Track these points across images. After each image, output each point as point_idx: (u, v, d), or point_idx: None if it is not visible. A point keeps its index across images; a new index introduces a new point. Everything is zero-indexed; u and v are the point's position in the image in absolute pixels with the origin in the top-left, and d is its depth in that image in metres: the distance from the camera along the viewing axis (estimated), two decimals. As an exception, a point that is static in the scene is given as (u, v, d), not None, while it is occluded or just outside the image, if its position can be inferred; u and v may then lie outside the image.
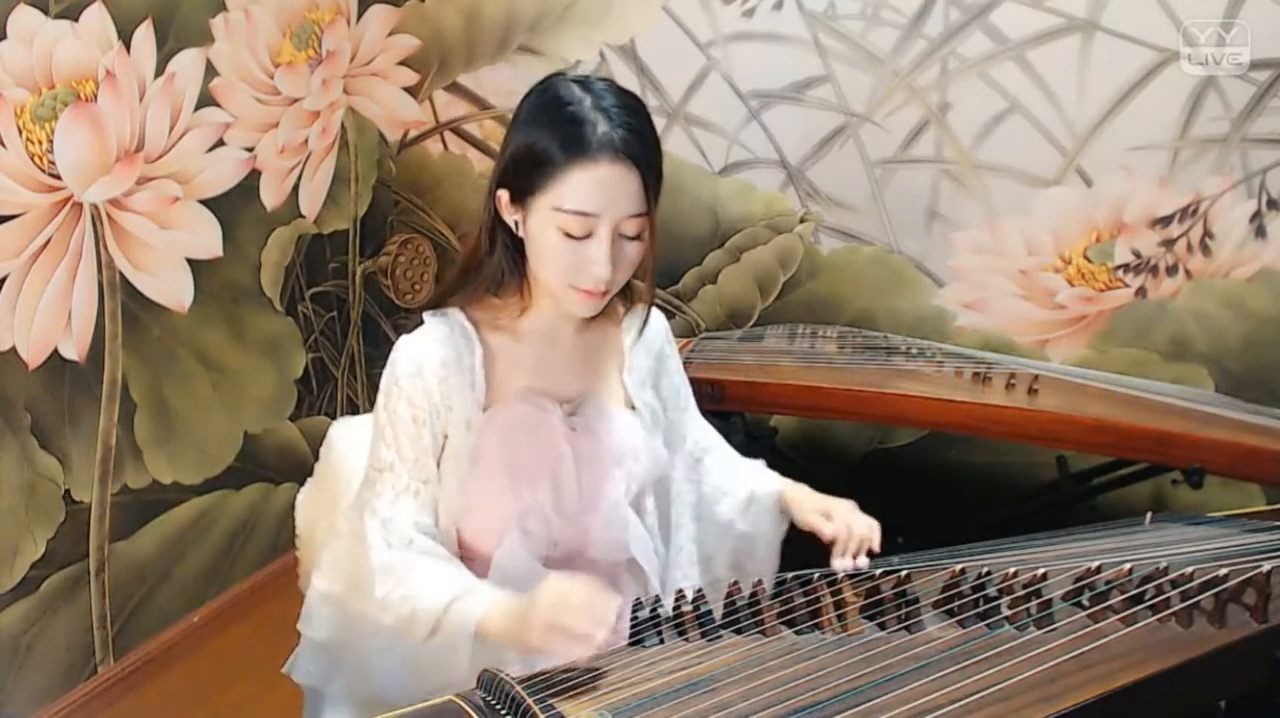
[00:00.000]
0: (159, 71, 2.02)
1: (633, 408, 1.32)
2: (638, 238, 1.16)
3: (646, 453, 1.29)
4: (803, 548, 1.41)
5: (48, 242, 1.86)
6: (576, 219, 1.12)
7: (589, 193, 1.11)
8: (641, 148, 1.13)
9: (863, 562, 1.22)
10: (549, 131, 1.13)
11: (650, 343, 1.36)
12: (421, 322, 1.24)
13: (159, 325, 2.12)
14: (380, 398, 1.22)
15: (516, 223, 1.18)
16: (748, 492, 1.41)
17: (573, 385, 1.28)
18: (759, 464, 1.46)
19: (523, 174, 1.15)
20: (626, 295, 1.30)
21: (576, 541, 1.26)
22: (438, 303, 1.25)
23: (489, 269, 1.22)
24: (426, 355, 1.20)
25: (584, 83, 1.16)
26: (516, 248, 1.21)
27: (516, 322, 1.25)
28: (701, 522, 1.42)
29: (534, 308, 1.24)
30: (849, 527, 1.25)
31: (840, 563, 1.22)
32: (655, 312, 1.37)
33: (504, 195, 1.18)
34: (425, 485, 1.21)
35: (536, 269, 1.20)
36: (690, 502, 1.41)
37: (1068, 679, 1.00)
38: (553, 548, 1.25)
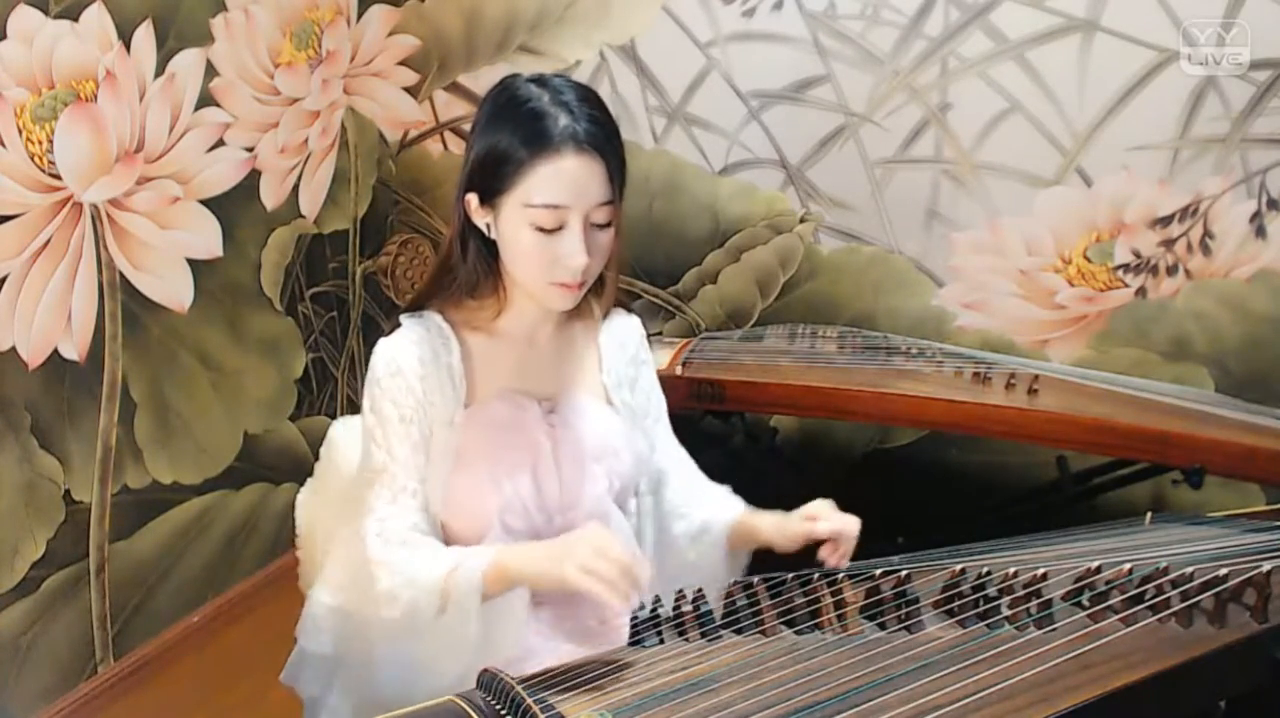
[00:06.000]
0: (159, 71, 2.02)
1: (611, 406, 1.32)
2: (608, 226, 1.17)
3: (628, 450, 1.30)
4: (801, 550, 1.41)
5: (48, 242, 1.86)
6: (547, 213, 1.13)
7: (557, 185, 1.13)
8: (604, 137, 1.14)
9: (845, 561, 1.23)
10: (511, 130, 1.14)
11: (626, 346, 1.36)
12: (399, 324, 1.25)
13: (159, 325, 2.12)
14: (365, 403, 1.23)
15: (488, 225, 1.19)
16: (701, 521, 1.38)
17: (551, 384, 1.28)
18: (723, 491, 1.42)
19: (489, 175, 1.16)
20: (598, 293, 1.30)
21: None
22: (414, 307, 1.27)
23: (464, 274, 1.23)
24: (403, 355, 1.21)
25: (540, 80, 1.18)
26: (489, 250, 1.22)
27: (494, 322, 1.26)
28: (657, 537, 1.41)
29: (511, 308, 1.25)
30: (845, 527, 1.24)
31: (833, 559, 1.22)
32: (632, 318, 1.38)
33: (473, 199, 1.19)
34: (422, 485, 1.21)
35: (512, 269, 1.21)
36: (650, 512, 1.41)
37: (1068, 679, 1.00)
38: None
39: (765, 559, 1.42)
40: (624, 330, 1.37)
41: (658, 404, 1.43)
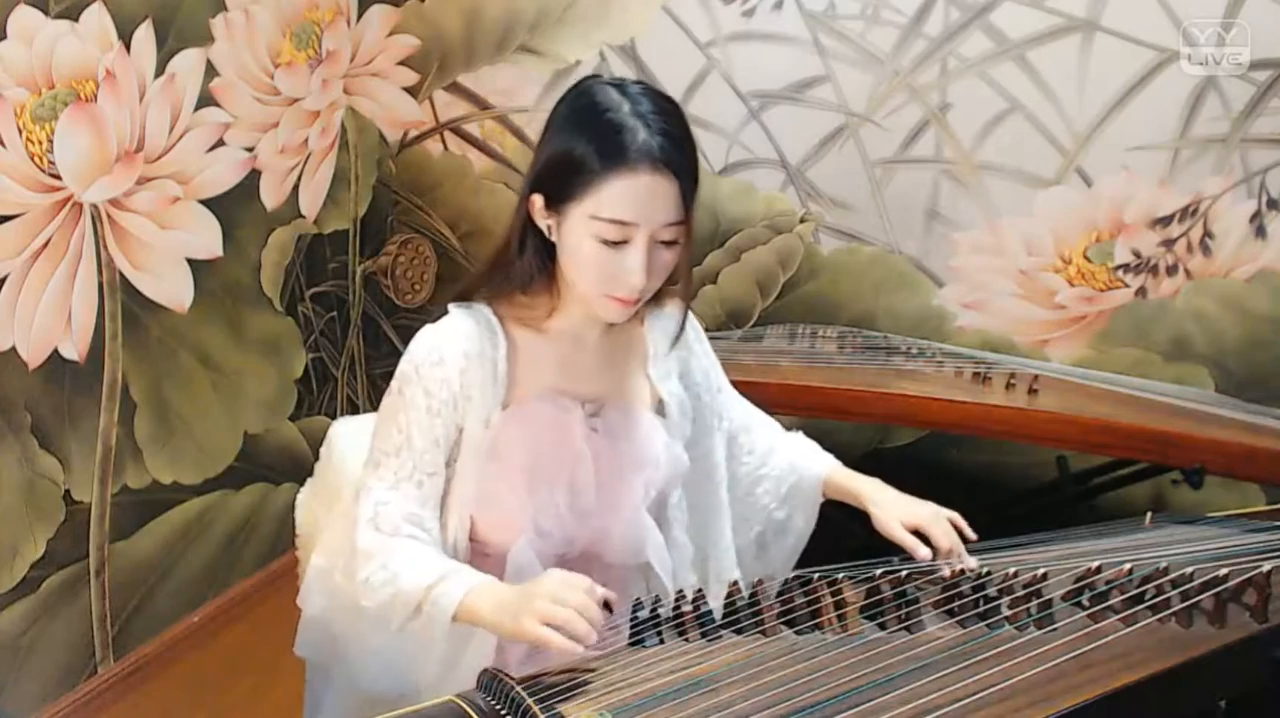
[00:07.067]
0: (159, 71, 2.01)
1: (660, 404, 1.31)
2: (673, 244, 1.15)
3: (667, 458, 1.28)
4: (813, 544, 1.41)
5: (48, 242, 1.86)
6: (614, 227, 1.11)
7: (627, 202, 1.10)
8: (679, 155, 1.12)
9: (971, 562, 1.25)
10: (586, 139, 1.12)
11: (670, 332, 1.34)
12: (446, 312, 1.23)
13: (159, 325, 2.12)
14: (395, 383, 1.21)
15: (549, 227, 1.18)
16: (792, 481, 1.42)
17: (597, 386, 1.27)
18: (804, 442, 1.46)
19: (559, 181, 1.14)
20: (657, 300, 1.28)
21: (593, 542, 1.26)
22: (462, 296, 1.24)
23: (518, 271, 1.21)
24: (450, 345, 1.19)
25: (621, 87, 1.15)
26: (547, 250, 1.20)
27: (545, 320, 1.24)
28: (736, 501, 1.42)
29: (563, 309, 1.24)
30: (952, 546, 1.27)
31: (949, 566, 1.24)
32: (676, 302, 1.35)
33: (538, 200, 1.17)
34: (429, 478, 1.20)
35: (570, 275, 1.19)
36: (726, 481, 1.41)
37: (1068, 679, 1.00)
38: (569, 547, 1.25)
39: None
40: (669, 318, 1.34)
41: (717, 376, 1.42)
